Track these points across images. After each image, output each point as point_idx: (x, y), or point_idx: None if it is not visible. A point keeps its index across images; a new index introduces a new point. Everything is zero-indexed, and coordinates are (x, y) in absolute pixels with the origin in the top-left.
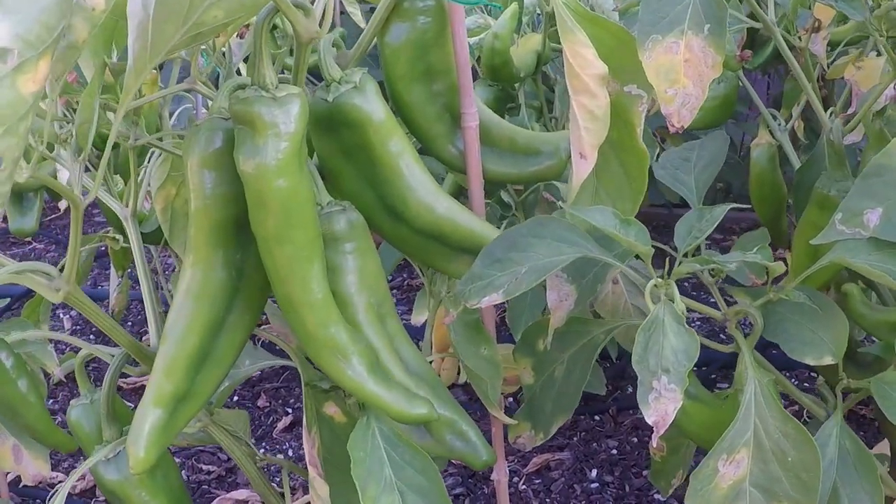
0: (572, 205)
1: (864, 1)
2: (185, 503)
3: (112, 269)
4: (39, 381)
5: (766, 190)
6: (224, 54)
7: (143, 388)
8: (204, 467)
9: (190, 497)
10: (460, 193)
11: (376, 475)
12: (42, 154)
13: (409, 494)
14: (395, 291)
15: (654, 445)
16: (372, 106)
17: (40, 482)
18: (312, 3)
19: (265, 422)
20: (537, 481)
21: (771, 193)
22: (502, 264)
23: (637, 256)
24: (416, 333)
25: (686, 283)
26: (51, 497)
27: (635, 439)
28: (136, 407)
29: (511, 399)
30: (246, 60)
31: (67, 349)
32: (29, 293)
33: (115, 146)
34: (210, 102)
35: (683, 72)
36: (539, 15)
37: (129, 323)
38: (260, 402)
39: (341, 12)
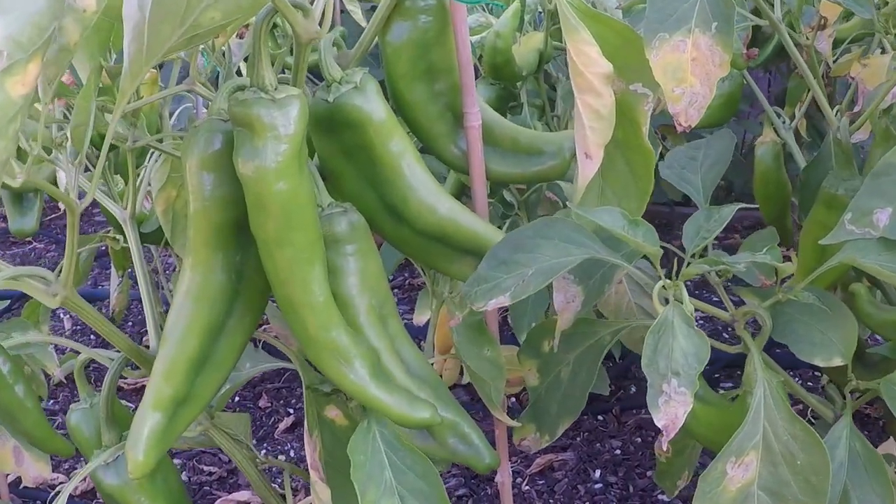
0: (578, 205)
1: None
2: None
3: (113, 269)
4: (39, 384)
5: (771, 188)
6: (224, 55)
7: (143, 388)
8: (205, 469)
9: (190, 500)
10: (462, 193)
11: (376, 479)
12: (38, 157)
13: (409, 499)
14: (396, 291)
15: (664, 449)
16: (373, 106)
17: (41, 484)
18: (312, 2)
19: (266, 422)
20: (541, 482)
21: (776, 192)
22: (508, 266)
23: (644, 257)
24: (418, 333)
25: (688, 283)
26: (51, 499)
27: (639, 439)
28: (135, 409)
29: (513, 400)
30: (246, 60)
31: (69, 349)
32: None
33: (115, 147)
34: (210, 103)
35: (691, 70)
36: (541, 13)
37: (130, 323)
38: (261, 403)
39: (342, 11)
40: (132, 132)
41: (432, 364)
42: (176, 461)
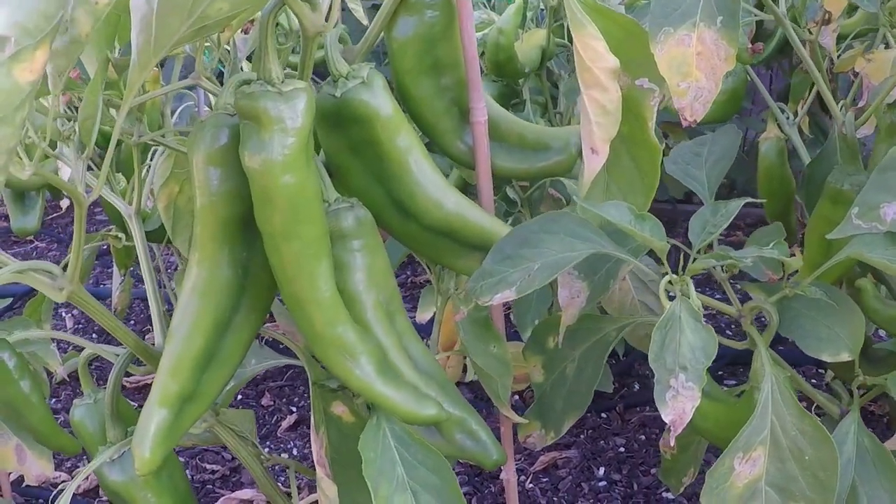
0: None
1: None
2: None
3: (115, 268)
4: (42, 381)
5: (775, 184)
6: (228, 50)
7: (146, 386)
8: (208, 467)
9: (195, 497)
10: (465, 189)
11: (388, 475)
12: (45, 151)
13: (421, 493)
14: (399, 288)
15: (671, 444)
16: (380, 101)
17: (43, 482)
18: None
19: (269, 420)
20: (545, 480)
21: (779, 188)
22: (514, 261)
23: (649, 253)
24: (422, 331)
25: (692, 279)
26: (55, 497)
27: (643, 437)
28: (139, 406)
29: (517, 397)
30: (250, 59)
31: (70, 348)
32: (31, 292)
33: (118, 143)
34: (213, 100)
35: (696, 65)
36: (543, 10)
37: (132, 322)
38: (264, 401)
39: (342, 9)
40: (137, 127)
41: None
42: (178, 459)
